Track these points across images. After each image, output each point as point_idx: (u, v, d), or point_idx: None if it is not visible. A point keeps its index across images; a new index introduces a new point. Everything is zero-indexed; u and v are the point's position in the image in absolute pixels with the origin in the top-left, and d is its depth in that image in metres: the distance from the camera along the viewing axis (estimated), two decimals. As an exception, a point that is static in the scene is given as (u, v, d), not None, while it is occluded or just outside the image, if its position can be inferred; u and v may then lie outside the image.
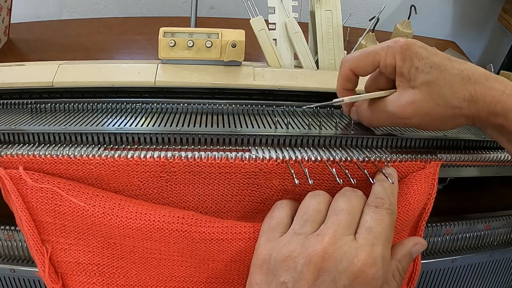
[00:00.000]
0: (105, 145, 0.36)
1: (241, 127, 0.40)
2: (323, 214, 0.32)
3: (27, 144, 0.36)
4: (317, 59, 0.52)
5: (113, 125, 0.38)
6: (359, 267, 0.28)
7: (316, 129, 0.40)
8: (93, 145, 0.36)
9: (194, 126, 0.39)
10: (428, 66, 0.34)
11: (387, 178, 0.34)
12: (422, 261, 0.41)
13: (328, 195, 0.34)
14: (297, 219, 0.33)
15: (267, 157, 0.35)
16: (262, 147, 0.37)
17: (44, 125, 0.38)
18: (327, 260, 0.28)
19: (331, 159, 0.36)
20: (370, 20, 0.72)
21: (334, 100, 0.39)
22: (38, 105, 0.43)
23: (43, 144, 0.36)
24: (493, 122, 0.34)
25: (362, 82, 0.40)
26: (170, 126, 0.39)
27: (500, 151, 0.42)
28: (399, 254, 0.34)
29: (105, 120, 0.40)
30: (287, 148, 0.38)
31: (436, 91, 0.34)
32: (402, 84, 0.36)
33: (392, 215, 0.32)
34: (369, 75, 0.40)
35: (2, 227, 0.39)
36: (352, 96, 0.39)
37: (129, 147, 0.36)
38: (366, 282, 0.28)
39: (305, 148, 0.38)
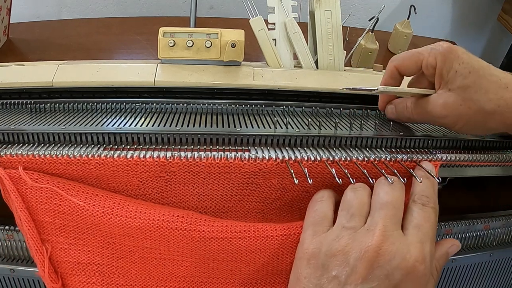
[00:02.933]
0: (104, 145, 0.36)
1: (241, 127, 0.40)
2: (367, 207, 0.33)
3: (26, 144, 0.36)
4: (317, 59, 0.52)
5: (112, 125, 0.38)
6: (412, 263, 0.29)
7: (315, 129, 0.40)
8: (93, 145, 0.36)
9: (193, 126, 0.39)
10: (467, 71, 0.35)
11: (430, 174, 0.35)
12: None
13: (367, 187, 0.35)
14: (342, 212, 0.33)
15: (267, 157, 0.35)
16: (262, 147, 0.37)
17: (43, 125, 0.38)
18: (381, 255, 0.29)
19: (331, 159, 0.36)
20: (369, 20, 0.72)
21: (371, 88, 0.40)
22: (38, 105, 0.43)
23: (42, 144, 0.36)
24: None
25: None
26: (170, 126, 0.39)
27: (500, 151, 0.42)
28: (438, 253, 0.34)
29: (105, 120, 0.40)
30: (287, 148, 0.38)
31: (470, 96, 0.36)
32: (440, 85, 0.38)
33: (437, 213, 0.33)
34: (412, 77, 0.42)
35: (1, 227, 0.39)
36: (389, 87, 0.41)
37: (128, 147, 0.36)
38: (417, 278, 0.30)
39: (305, 148, 0.38)
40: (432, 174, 0.35)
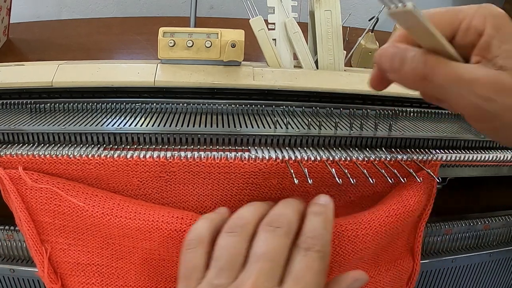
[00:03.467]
0: (104, 145, 0.36)
1: (241, 127, 0.40)
2: (241, 258, 0.28)
3: (26, 144, 0.36)
4: (317, 59, 0.52)
5: (112, 125, 0.38)
6: None
7: (315, 129, 0.40)
8: (93, 145, 0.36)
9: (193, 126, 0.39)
10: None
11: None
12: (421, 261, 0.41)
13: (248, 230, 0.29)
14: (212, 263, 0.28)
15: (267, 157, 0.35)
16: (262, 147, 0.37)
17: (43, 125, 0.38)
18: None
19: (331, 159, 0.36)
20: (369, 20, 0.72)
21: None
22: (38, 105, 0.43)
23: (42, 144, 0.36)
24: None
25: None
26: (170, 126, 0.39)
27: (500, 151, 0.42)
28: None
29: (104, 120, 0.40)
30: (287, 148, 0.38)
31: None
32: (482, 60, 0.26)
33: (325, 258, 0.28)
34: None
35: (1, 227, 0.39)
36: (422, 11, 0.24)
37: (128, 147, 0.36)
38: None
39: (305, 148, 0.38)
40: (322, 207, 0.31)
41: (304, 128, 0.40)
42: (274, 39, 0.51)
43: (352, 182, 0.34)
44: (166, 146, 0.37)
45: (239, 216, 0.31)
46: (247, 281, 0.26)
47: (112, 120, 0.40)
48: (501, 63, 0.25)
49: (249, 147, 0.37)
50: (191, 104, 0.45)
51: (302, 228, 0.29)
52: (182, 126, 0.39)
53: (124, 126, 0.38)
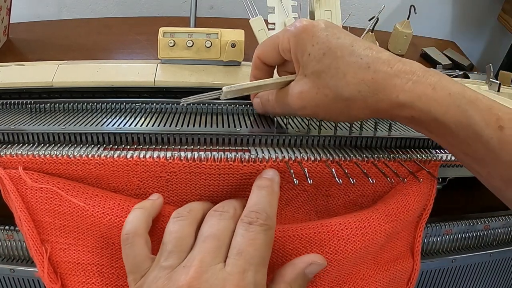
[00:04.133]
0: (104, 145, 0.36)
1: (241, 127, 0.40)
2: (190, 239, 0.29)
3: (26, 144, 0.36)
4: (317, 59, 0.52)
5: (112, 125, 0.38)
6: None
7: (315, 129, 0.40)
8: (93, 145, 0.36)
9: (193, 126, 0.39)
10: (321, 53, 0.31)
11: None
12: (421, 261, 0.41)
13: (194, 215, 0.31)
14: (162, 247, 0.29)
15: (267, 157, 0.35)
16: (262, 147, 0.37)
17: (43, 125, 0.38)
18: None
19: (331, 159, 0.36)
20: (369, 20, 0.72)
21: (212, 93, 0.34)
22: (38, 105, 0.43)
23: (42, 144, 0.36)
24: (400, 114, 0.30)
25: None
26: (170, 126, 0.39)
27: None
28: (289, 275, 0.31)
29: (105, 120, 0.40)
30: (287, 148, 0.38)
31: (325, 82, 0.31)
32: (298, 71, 0.33)
33: (268, 231, 0.29)
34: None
35: (1, 227, 0.39)
36: (234, 85, 0.34)
37: (128, 147, 0.36)
38: None
39: (305, 148, 0.38)
40: (273, 182, 0.32)
41: (304, 128, 0.40)
42: (274, 39, 0.51)
43: (352, 182, 0.34)
44: (166, 146, 0.37)
45: (187, 205, 0.32)
46: (194, 259, 0.27)
47: (112, 120, 0.40)
48: (305, 72, 0.32)
49: (249, 147, 0.37)
50: (191, 104, 0.45)
51: (247, 202, 0.31)
52: (182, 126, 0.39)
53: (124, 126, 0.38)
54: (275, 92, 0.35)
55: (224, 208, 0.31)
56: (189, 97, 0.34)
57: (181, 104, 0.35)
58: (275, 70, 0.39)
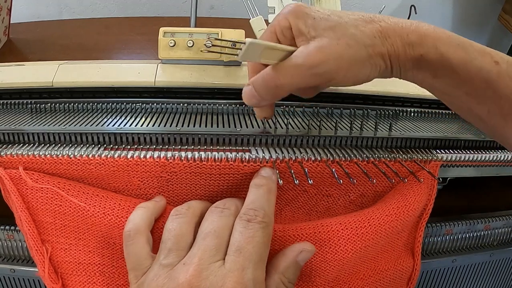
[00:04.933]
0: (105, 145, 0.36)
1: (241, 127, 0.40)
2: (189, 237, 0.30)
3: (27, 144, 0.36)
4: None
5: (113, 125, 0.38)
6: None
7: (316, 129, 0.40)
8: (93, 145, 0.36)
9: (194, 126, 0.39)
10: (326, 13, 0.32)
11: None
12: (422, 261, 0.41)
13: (193, 212, 0.31)
14: (161, 245, 0.30)
15: (267, 157, 0.35)
16: (262, 147, 0.37)
17: (44, 125, 0.38)
18: None
19: (331, 159, 0.36)
20: (370, 20, 0.72)
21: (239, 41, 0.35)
22: (38, 105, 0.43)
23: (43, 144, 0.36)
24: (411, 55, 0.32)
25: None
26: (170, 126, 0.39)
27: (500, 151, 0.42)
28: (282, 265, 0.31)
29: (105, 120, 0.40)
30: (287, 148, 0.38)
31: (343, 33, 0.31)
32: (303, 41, 0.32)
33: (267, 228, 0.29)
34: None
35: (2, 227, 0.39)
36: (258, 40, 0.32)
37: (129, 147, 0.36)
38: None
39: (305, 148, 0.38)
40: (270, 180, 0.32)
41: (305, 128, 0.40)
42: (275, 39, 0.51)
43: (353, 182, 0.34)
44: (167, 146, 0.37)
45: (186, 203, 0.33)
46: (194, 257, 0.28)
47: (112, 120, 0.40)
48: (314, 33, 0.31)
49: (250, 147, 0.37)
50: (192, 104, 0.45)
51: (245, 200, 0.31)
52: (182, 126, 0.39)
53: (124, 126, 0.38)
54: (276, 64, 0.33)
55: (226, 205, 0.31)
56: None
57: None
58: None
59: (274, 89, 0.33)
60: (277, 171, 0.34)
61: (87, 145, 0.36)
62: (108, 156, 0.34)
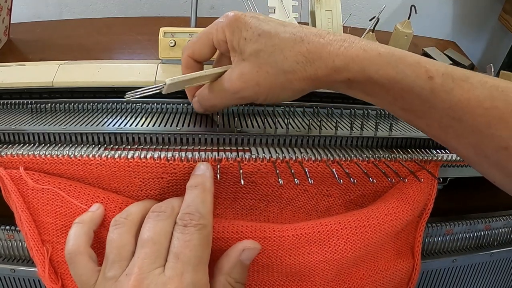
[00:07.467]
0: (105, 145, 0.36)
1: (241, 127, 0.40)
2: (129, 247, 0.29)
3: (27, 144, 0.36)
4: (317, 59, 0.52)
5: (113, 125, 0.38)
6: None
7: (316, 129, 0.40)
8: (94, 145, 0.36)
9: (194, 126, 0.39)
10: (256, 35, 0.33)
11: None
12: (422, 261, 0.41)
13: (132, 220, 0.31)
14: (105, 259, 0.30)
15: (267, 157, 0.35)
16: (262, 147, 0.37)
17: (44, 125, 0.38)
18: None
19: (331, 159, 0.36)
20: (370, 20, 0.72)
21: (156, 86, 0.35)
22: (38, 105, 0.43)
23: (43, 144, 0.36)
24: (337, 79, 0.32)
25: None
26: (170, 126, 0.39)
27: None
28: (226, 266, 0.31)
29: (106, 120, 0.40)
30: (287, 148, 0.38)
31: (264, 60, 0.32)
32: (235, 59, 0.34)
33: (204, 229, 0.29)
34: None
35: (2, 227, 0.39)
36: (177, 77, 0.35)
37: (129, 147, 0.36)
38: None
39: (306, 148, 0.38)
40: (204, 178, 0.32)
41: (305, 128, 0.40)
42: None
43: (353, 182, 0.34)
44: (167, 147, 0.37)
45: (125, 210, 0.32)
46: (134, 267, 0.28)
47: (113, 120, 0.40)
48: (243, 56, 0.33)
49: (250, 147, 0.37)
50: (188, 104, 0.45)
51: (182, 204, 0.31)
52: (182, 126, 0.39)
53: (125, 126, 0.38)
54: (211, 84, 0.36)
55: (162, 208, 0.31)
56: (132, 92, 0.35)
57: (125, 98, 0.35)
58: None
59: (213, 107, 0.38)
60: (211, 166, 0.34)
61: (88, 145, 0.36)
62: (109, 156, 0.34)
